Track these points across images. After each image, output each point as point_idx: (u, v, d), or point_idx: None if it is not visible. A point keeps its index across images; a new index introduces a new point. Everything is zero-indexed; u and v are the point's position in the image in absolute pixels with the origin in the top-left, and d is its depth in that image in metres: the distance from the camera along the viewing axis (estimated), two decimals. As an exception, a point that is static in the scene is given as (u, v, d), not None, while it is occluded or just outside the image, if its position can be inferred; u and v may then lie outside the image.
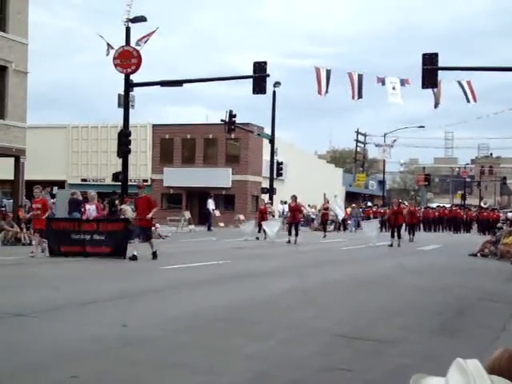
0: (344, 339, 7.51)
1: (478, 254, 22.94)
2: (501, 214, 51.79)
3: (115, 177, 31.22)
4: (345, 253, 23.61)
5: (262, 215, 31.37)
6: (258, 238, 29.63)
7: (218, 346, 6.86)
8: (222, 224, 44.99)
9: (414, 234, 32.79)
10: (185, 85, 32.71)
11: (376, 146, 62.70)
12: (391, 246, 26.76)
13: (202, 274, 14.41)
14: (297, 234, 27.90)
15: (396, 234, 27.40)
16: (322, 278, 14.36)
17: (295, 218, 28.57)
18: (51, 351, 6.43)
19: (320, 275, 15.05)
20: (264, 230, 30.07)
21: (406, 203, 38.57)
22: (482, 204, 58.31)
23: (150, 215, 18.07)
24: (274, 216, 36.00)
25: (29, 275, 13.96)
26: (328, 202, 37.15)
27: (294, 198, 29.00)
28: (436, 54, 25.90)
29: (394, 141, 61.45)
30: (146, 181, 50.97)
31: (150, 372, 5.76)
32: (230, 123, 38.10)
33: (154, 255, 17.79)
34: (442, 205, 65.82)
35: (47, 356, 6.23)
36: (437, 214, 53.92)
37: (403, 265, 18.42)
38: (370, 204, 53.63)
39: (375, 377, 5.91)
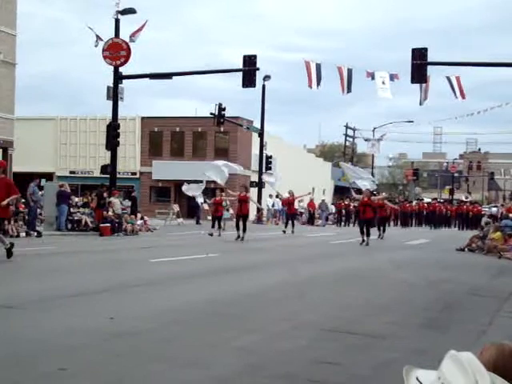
0: (332, 333, 7.54)
1: (466, 249, 23.09)
2: (482, 209, 51.51)
3: (103, 169, 31.17)
4: (333, 247, 23.68)
5: (217, 207, 28.30)
6: (211, 234, 26.80)
7: (207, 339, 6.87)
8: (210, 217, 44.92)
9: (384, 231, 29.46)
10: (174, 78, 32.67)
11: (365, 140, 62.87)
12: (362, 243, 24.10)
13: (190, 268, 14.42)
14: (244, 230, 25.03)
15: (365, 229, 24.36)
16: (311, 272, 14.40)
17: (243, 210, 25.37)
18: (39, 343, 6.41)
19: (309, 269, 15.08)
20: (220, 225, 27.74)
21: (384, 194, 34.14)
22: (464, 198, 57.80)
23: (5, 202, 14.88)
24: (228, 210, 34.52)
25: (17, 267, 13.91)
26: (293, 195, 32.95)
27: (245, 188, 26.72)
28: (425, 49, 25.97)
29: (384, 135, 61.66)
30: (134, 173, 50.91)
31: (139, 365, 5.76)
32: (219, 116, 38.11)
33: (9, 252, 14.60)
34: (420, 198, 65.64)
35: (35, 348, 6.21)
36: (416, 207, 51.12)
37: (391, 259, 18.49)
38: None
39: (363, 371, 5.95)
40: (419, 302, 10.52)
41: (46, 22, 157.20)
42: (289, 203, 33.09)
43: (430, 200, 59.61)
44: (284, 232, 30.66)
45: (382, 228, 29.46)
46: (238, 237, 24.96)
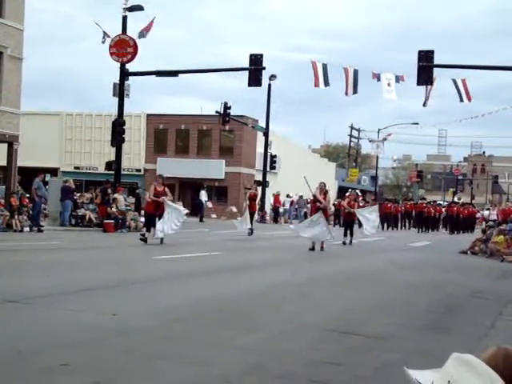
0: (334, 334, 7.55)
1: (468, 252, 23.09)
2: (477, 211, 50.78)
3: (108, 166, 31.24)
4: (335, 247, 23.62)
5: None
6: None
7: (209, 338, 6.89)
8: (213, 215, 45.06)
9: (352, 235, 24.70)
10: (180, 75, 32.71)
11: (370, 141, 62.85)
12: (312, 249, 20.60)
13: (194, 265, 14.44)
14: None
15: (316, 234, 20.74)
16: (313, 272, 14.42)
17: (160, 208, 20.96)
18: (42, 338, 6.43)
19: (311, 269, 15.11)
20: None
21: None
22: (456, 199, 56.87)
23: None
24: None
25: (21, 261, 13.95)
26: (256, 190, 29.10)
27: (159, 176, 23.42)
28: (432, 52, 25.96)
29: (389, 135, 61.49)
30: (139, 170, 51.00)
31: (141, 362, 5.78)
32: (225, 115, 38.13)
33: None
34: (409, 198, 65.03)
35: (38, 343, 6.24)
36: (401, 208, 46.55)
37: (394, 261, 18.50)
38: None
39: (364, 371, 5.96)
40: (421, 303, 10.53)
41: (55, 17, 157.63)
42: (250, 199, 27.79)
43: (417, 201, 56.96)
44: (251, 230, 26.57)
45: (348, 231, 24.81)
46: (162, 241, 20.28)
